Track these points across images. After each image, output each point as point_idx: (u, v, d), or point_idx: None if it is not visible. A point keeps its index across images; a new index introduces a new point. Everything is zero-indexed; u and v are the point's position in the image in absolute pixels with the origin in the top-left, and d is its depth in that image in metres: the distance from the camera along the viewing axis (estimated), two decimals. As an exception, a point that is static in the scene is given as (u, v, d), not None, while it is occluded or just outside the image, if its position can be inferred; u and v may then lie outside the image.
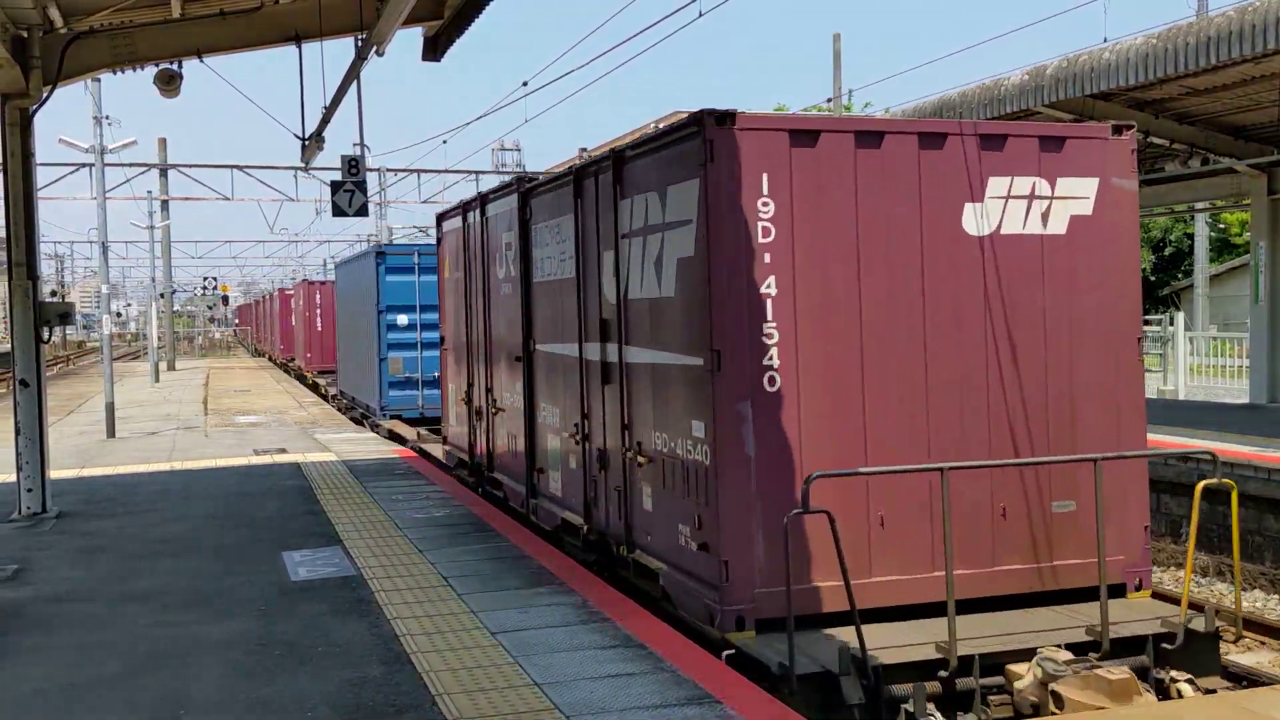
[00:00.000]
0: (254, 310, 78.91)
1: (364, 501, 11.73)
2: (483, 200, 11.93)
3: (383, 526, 10.36)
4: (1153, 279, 47.28)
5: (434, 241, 14.94)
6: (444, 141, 53.11)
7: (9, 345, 11.96)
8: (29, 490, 11.34)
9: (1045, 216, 7.52)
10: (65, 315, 11.63)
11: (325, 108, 12.33)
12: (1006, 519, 7.42)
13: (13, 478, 11.49)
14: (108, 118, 25.71)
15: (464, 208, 12.70)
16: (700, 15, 13.28)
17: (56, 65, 11.33)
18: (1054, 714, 6.32)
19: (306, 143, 12.82)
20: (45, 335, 11.41)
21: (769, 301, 6.96)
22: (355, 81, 11.50)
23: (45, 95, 11.33)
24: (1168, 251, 47.34)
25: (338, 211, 12.47)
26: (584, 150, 46.95)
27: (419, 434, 18.71)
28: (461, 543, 9.54)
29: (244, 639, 6.89)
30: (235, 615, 7.44)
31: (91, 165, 25.27)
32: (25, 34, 11.13)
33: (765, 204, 6.99)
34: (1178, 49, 12.98)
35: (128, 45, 11.74)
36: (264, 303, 63.78)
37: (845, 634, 6.53)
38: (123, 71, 11.90)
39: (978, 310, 7.39)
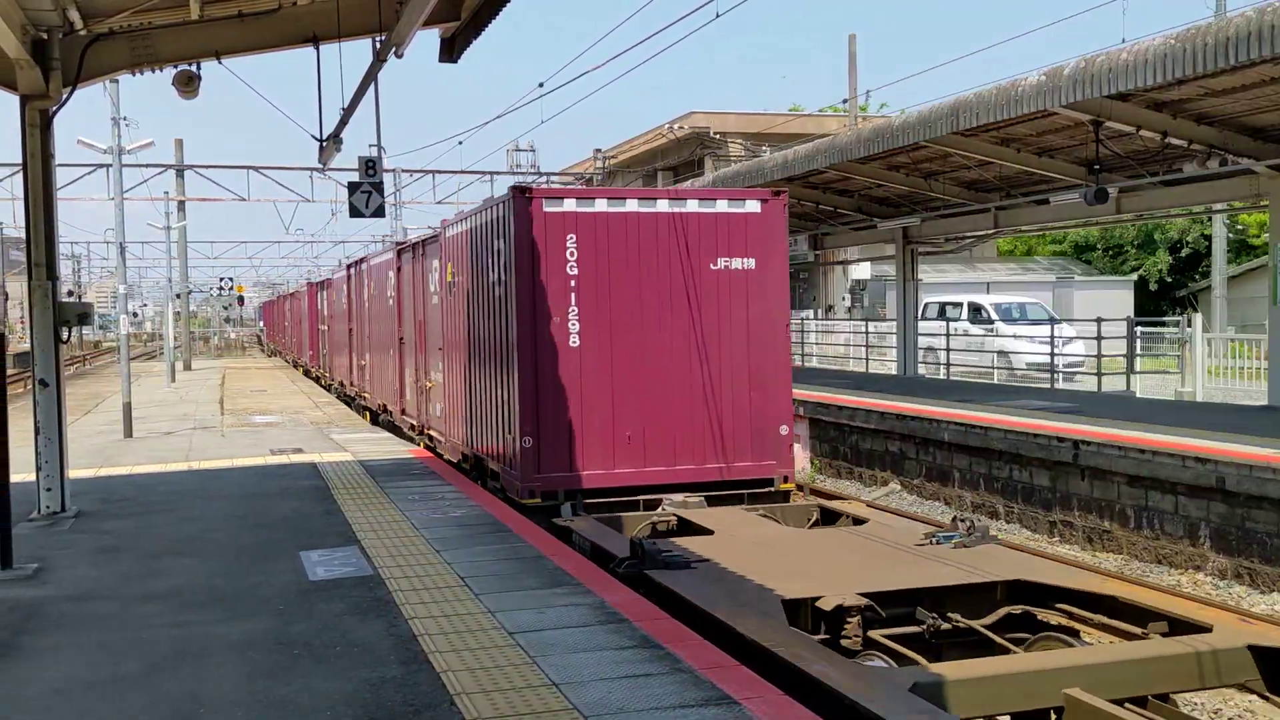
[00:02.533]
0: (282, 309, 59.53)
1: (381, 501, 11.77)
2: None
3: (399, 526, 10.38)
4: (1169, 280, 47.09)
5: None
6: (459, 143, 53.21)
7: (27, 345, 12.01)
8: (48, 490, 11.39)
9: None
10: (84, 316, 11.67)
11: (343, 109, 12.37)
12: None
13: (32, 477, 11.55)
14: (125, 119, 25.84)
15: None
16: (717, 16, 13.28)
17: (76, 67, 11.39)
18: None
19: (324, 144, 12.85)
20: (64, 335, 11.47)
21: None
22: (373, 83, 11.53)
23: (65, 97, 11.39)
24: (1185, 253, 47.14)
25: (354, 213, 12.49)
26: (598, 151, 46.98)
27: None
28: (478, 543, 9.56)
29: (262, 638, 6.92)
30: (253, 614, 7.47)
31: (109, 166, 25.41)
32: (45, 36, 11.19)
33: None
34: (1196, 50, 12.91)
35: (147, 47, 11.79)
36: (318, 292, 36.29)
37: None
38: (142, 73, 11.95)
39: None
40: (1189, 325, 23.33)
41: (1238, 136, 16.30)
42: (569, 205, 11.78)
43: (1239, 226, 44.10)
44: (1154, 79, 13.58)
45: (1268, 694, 7.09)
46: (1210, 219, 36.65)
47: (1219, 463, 11.91)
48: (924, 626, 8.16)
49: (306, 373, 42.27)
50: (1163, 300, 46.38)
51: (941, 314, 31.44)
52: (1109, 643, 7.94)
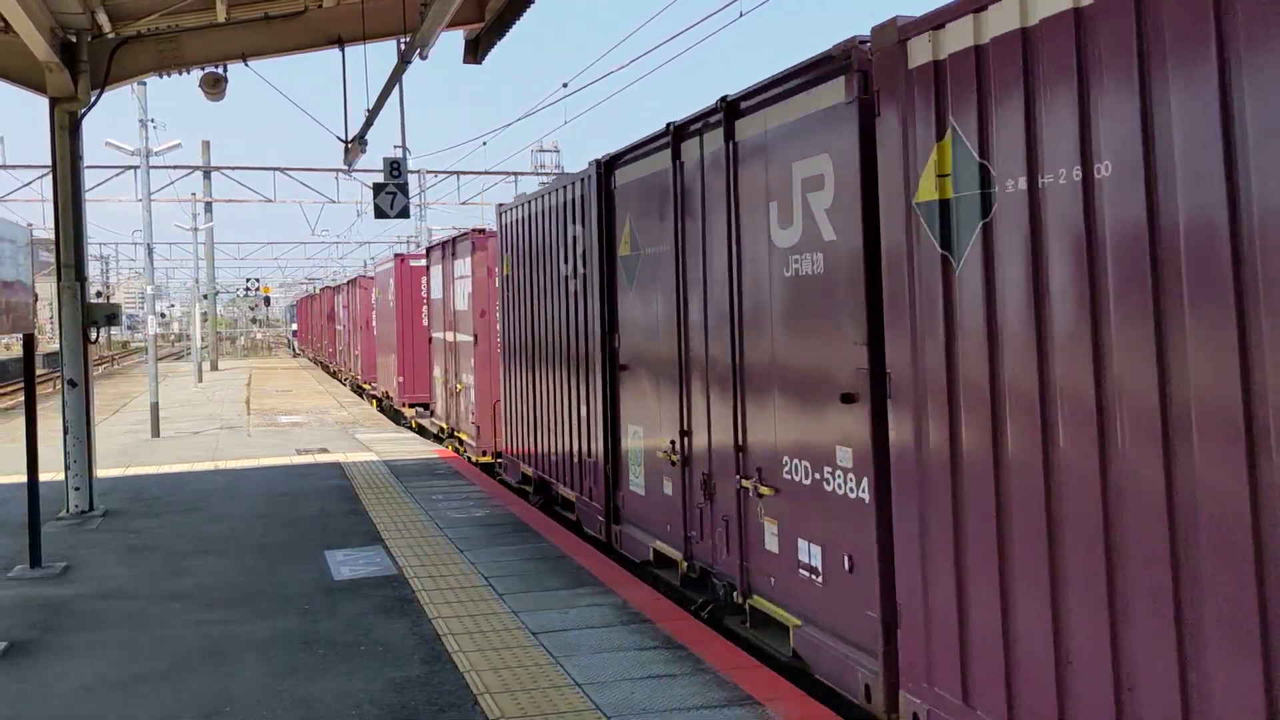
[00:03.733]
0: (327, 307, 45.92)
1: (405, 501, 11.81)
2: None
3: (423, 526, 10.41)
4: None
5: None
6: (484, 143, 53.26)
7: (56, 345, 12.13)
8: (76, 489, 11.50)
9: None
10: (113, 316, 11.77)
11: (368, 110, 12.43)
12: None
13: (60, 476, 11.66)
14: (153, 120, 26.04)
15: None
16: (741, 15, 13.22)
17: (104, 69, 11.50)
18: None
19: (349, 145, 12.92)
20: (92, 335, 11.57)
21: None
22: (398, 84, 11.58)
23: (93, 99, 11.50)
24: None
25: (379, 213, 12.54)
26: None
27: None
28: (502, 543, 9.58)
29: (287, 637, 6.96)
30: (279, 613, 7.51)
31: (137, 167, 25.59)
32: (74, 39, 11.30)
33: None
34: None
35: (174, 49, 11.89)
36: (418, 273, 21.01)
37: None
38: (169, 75, 12.05)
39: None
40: None
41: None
42: None
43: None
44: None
45: None
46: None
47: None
48: None
49: (392, 414, 24.69)
50: None
51: None
52: None
